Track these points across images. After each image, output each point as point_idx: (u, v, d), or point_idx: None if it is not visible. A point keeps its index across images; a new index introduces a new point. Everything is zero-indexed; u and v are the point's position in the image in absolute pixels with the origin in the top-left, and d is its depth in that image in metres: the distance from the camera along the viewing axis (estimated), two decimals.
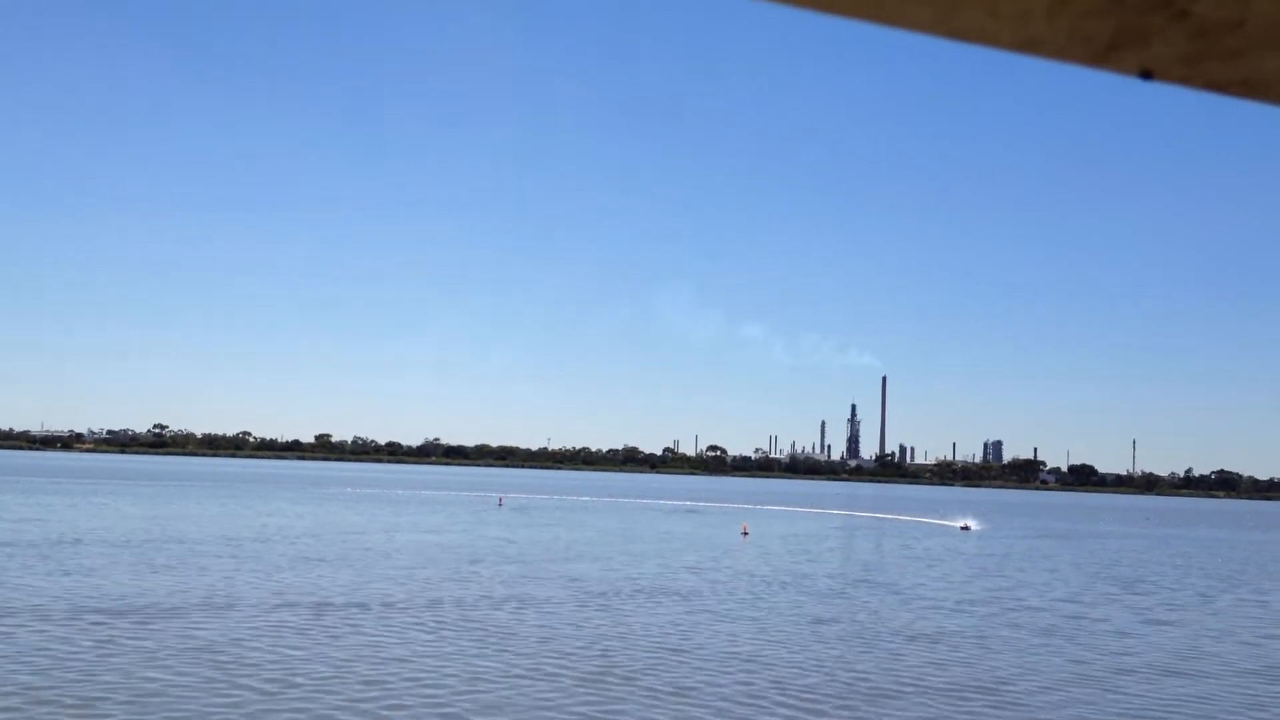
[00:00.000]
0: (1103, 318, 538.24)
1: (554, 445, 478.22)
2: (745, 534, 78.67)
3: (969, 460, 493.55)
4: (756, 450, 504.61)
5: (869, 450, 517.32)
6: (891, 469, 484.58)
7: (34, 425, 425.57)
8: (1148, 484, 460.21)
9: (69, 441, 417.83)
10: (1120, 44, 1.78)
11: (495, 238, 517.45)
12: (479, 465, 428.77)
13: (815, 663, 27.69)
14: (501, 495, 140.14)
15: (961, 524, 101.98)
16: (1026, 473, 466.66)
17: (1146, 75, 1.86)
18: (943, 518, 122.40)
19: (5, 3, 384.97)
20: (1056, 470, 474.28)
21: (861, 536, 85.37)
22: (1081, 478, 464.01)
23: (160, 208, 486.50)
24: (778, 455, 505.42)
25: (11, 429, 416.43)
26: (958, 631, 34.36)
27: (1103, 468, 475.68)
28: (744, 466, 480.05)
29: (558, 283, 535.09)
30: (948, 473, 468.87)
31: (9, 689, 21.22)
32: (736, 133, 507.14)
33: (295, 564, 45.99)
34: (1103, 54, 1.81)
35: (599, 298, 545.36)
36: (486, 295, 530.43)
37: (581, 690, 23.33)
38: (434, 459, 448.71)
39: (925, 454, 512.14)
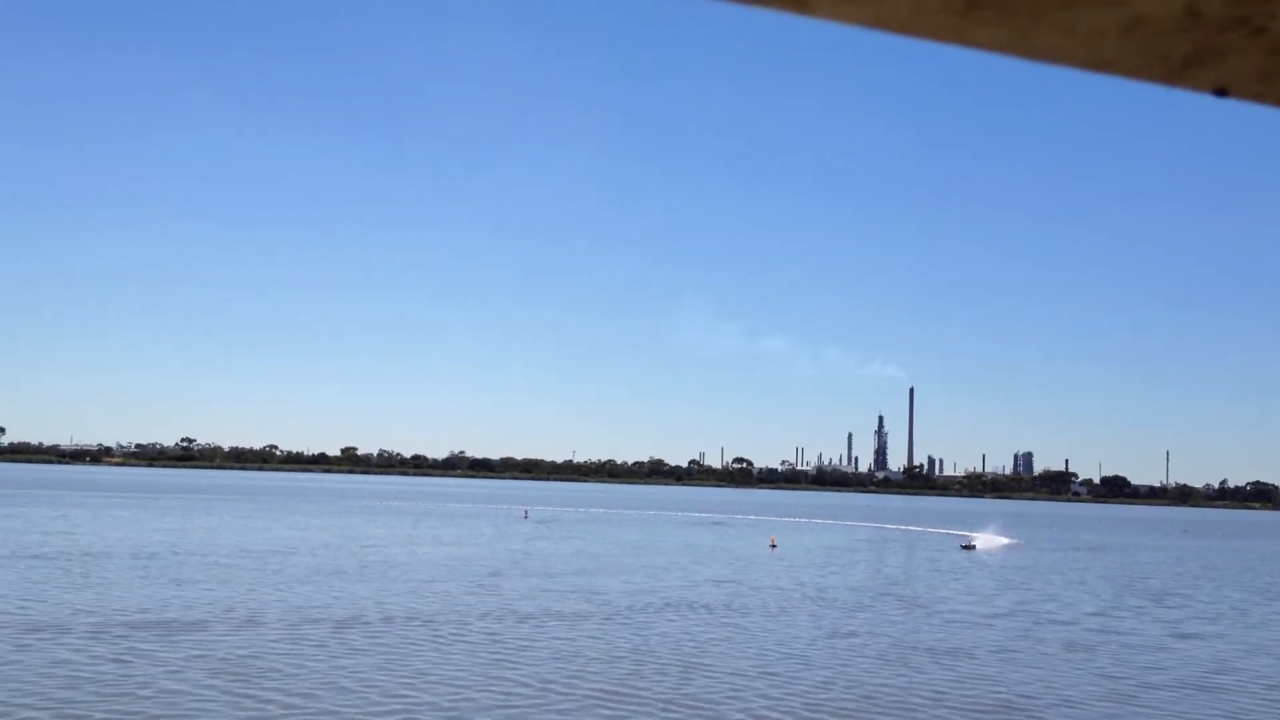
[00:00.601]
0: (1135, 328, 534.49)
1: (579, 458, 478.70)
2: (774, 546, 78.40)
3: (999, 472, 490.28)
4: (783, 462, 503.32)
5: (897, 462, 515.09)
6: (920, 481, 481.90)
7: (63, 439, 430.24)
8: (1181, 496, 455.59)
9: (97, 455, 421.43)
10: (1195, 62, 1.76)
11: (519, 252, 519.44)
12: (504, 478, 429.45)
13: (838, 678, 27.52)
14: (527, 508, 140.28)
15: (966, 544, 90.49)
16: (1058, 485, 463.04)
17: (1221, 93, 1.84)
18: (971, 529, 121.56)
19: (10, 6, 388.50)
20: (1088, 482, 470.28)
21: (890, 549, 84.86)
22: (1114, 490, 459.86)
23: (188, 223, 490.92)
24: (804, 467, 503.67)
25: (41, 443, 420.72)
26: (983, 646, 34.08)
27: (1136, 479, 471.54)
28: (770, 479, 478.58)
29: (581, 296, 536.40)
30: (977, 485, 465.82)
31: (34, 704, 21.38)
32: (755, 145, 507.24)
33: (317, 577, 46.15)
34: (1178, 72, 1.79)
35: (622, 311, 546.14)
36: (511, 309, 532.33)
37: (600, 705, 23.28)
38: (459, 472, 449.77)
39: (954, 466, 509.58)
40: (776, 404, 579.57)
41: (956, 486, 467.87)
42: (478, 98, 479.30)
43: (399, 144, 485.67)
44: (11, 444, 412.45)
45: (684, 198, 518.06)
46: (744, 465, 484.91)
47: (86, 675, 24.10)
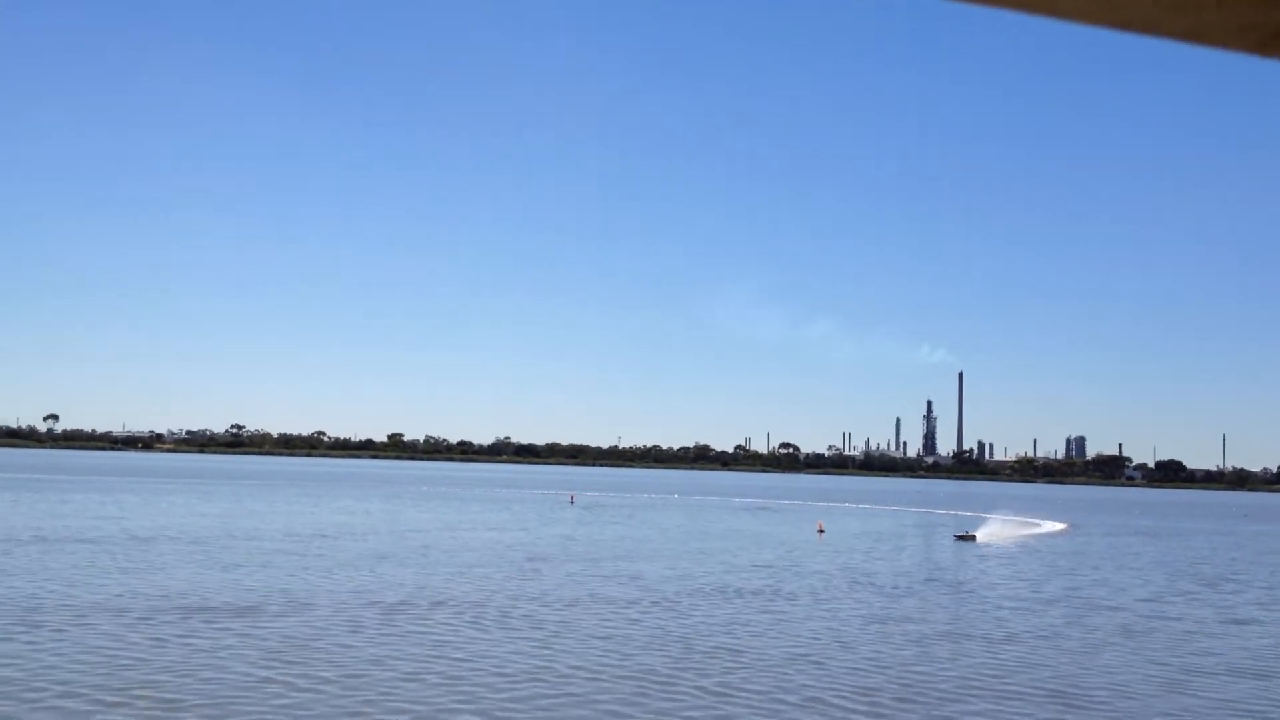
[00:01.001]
0: (1191, 309, 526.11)
1: (624, 444, 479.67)
2: (821, 532, 78.24)
3: (1051, 457, 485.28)
4: (830, 448, 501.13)
5: (946, 447, 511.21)
6: (970, 466, 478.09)
7: (116, 427, 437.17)
8: (1238, 480, 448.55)
9: (149, 442, 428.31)
10: None
11: (564, 238, 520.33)
12: (550, 464, 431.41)
13: (883, 663, 27.47)
14: (574, 493, 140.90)
15: (963, 534, 78.76)
16: (1111, 469, 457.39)
17: None
18: (1024, 515, 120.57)
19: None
20: (1143, 466, 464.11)
21: (938, 534, 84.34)
22: (1169, 474, 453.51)
23: (239, 214, 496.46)
24: (851, 452, 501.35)
25: (94, 430, 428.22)
26: (1032, 632, 33.84)
27: (1191, 463, 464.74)
28: (817, 464, 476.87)
29: (626, 281, 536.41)
30: (1029, 469, 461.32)
31: (86, 686, 21.85)
32: (800, 128, 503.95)
33: (363, 562, 46.69)
34: (1267, 43, 1.76)
35: (667, 296, 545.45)
36: (557, 296, 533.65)
37: (644, 690, 23.40)
38: (505, 458, 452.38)
39: (1005, 450, 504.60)
40: (823, 389, 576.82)
41: (1007, 471, 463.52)
42: (518, 85, 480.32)
43: (441, 133, 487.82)
44: (66, 431, 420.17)
45: (728, 183, 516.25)
46: (790, 450, 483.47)
47: (138, 658, 24.58)
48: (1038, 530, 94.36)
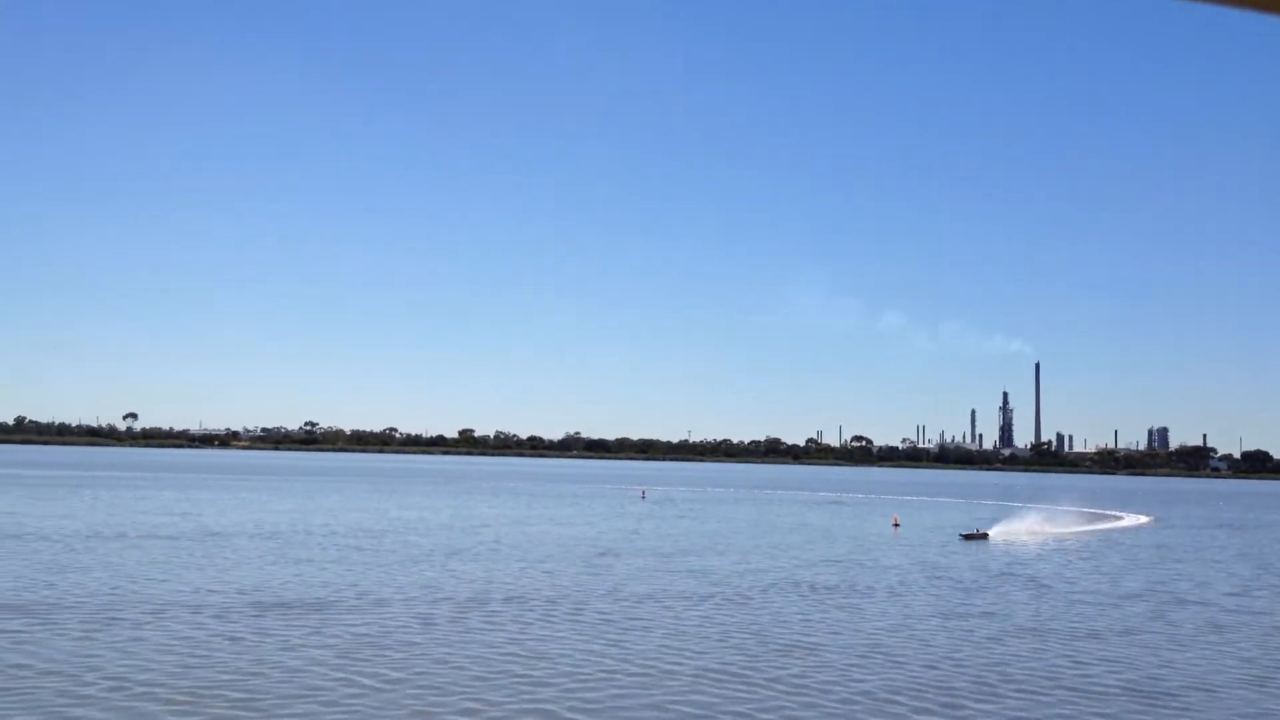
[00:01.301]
0: (1274, 295, 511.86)
1: (694, 438, 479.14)
2: (896, 526, 77.51)
3: (1132, 448, 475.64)
4: (904, 440, 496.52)
5: (1023, 439, 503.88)
6: (1049, 458, 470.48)
7: (193, 425, 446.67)
8: None
9: (225, 439, 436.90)
10: None
11: (633, 231, 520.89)
12: (620, 458, 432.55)
13: (957, 660, 27.12)
14: (644, 488, 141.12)
15: (970, 533, 70.16)
16: (1195, 460, 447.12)
17: None
18: (1103, 508, 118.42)
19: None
20: (1228, 457, 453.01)
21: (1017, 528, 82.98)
22: (1256, 465, 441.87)
23: (311, 212, 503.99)
24: (926, 445, 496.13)
25: (172, 428, 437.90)
26: (1112, 627, 33.21)
27: (1279, 454, 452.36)
28: (891, 457, 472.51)
29: (696, 274, 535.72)
30: (1110, 461, 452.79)
31: (162, 682, 22.32)
32: (870, 116, 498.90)
33: (434, 557, 47.16)
34: None
35: (737, 288, 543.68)
36: (626, 289, 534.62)
37: (712, 685, 23.34)
38: (575, 453, 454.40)
39: (1085, 442, 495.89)
40: (896, 380, 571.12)
41: (1088, 463, 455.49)
42: (592, 76, 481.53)
43: (510, 129, 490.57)
44: (144, 429, 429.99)
45: (798, 174, 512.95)
46: (863, 443, 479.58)
47: (214, 654, 25.06)
48: (1082, 528, 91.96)
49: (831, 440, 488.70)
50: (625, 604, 34.75)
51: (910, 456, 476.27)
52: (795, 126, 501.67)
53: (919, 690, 23.50)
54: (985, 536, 69.10)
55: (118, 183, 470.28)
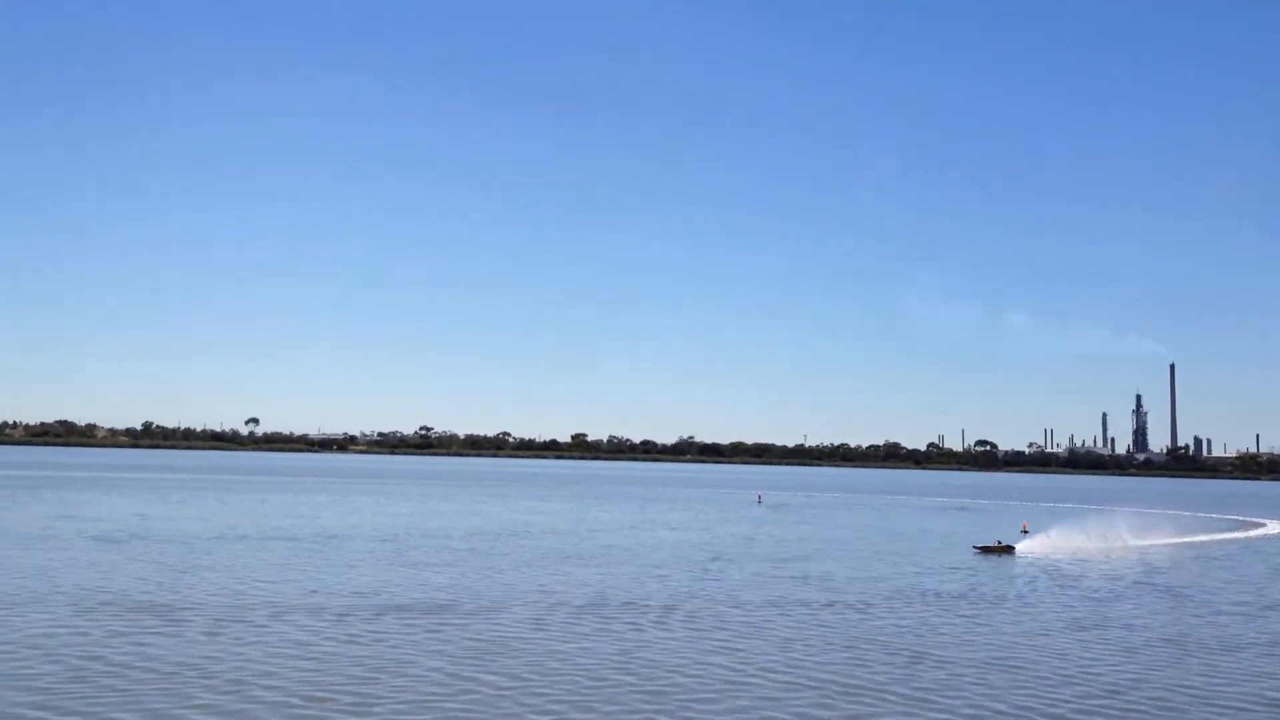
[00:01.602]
0: None
1: (810, 442, 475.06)
2: (1025, 533, 75.67)
3: (1276, 452, 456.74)
4: (1030, 444, 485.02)
5: (1158, 443, 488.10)
6: (1185, 462, 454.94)
7: (312, 429, 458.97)
8: None
9: (343, 444, 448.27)
10: None
11: (747, 237, 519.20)
12: (734, 463, 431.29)
13: (1083, 671, 26.26)
14: (760, 493, 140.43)
15: (989, 543, 61.30)
16: None
17: None
18: (1245, 514, 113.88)
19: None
20: None
21: (1153, 537, 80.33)
22: None
23: (434, 224, 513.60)
24: (1055, 449, 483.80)
25: (292, 433, 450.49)
26: (1256, 641, 31.82)
27: None
28: (1017, 462, 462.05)
29: (811, 277, 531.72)
30: (1252, 466, 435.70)
31: (280, 684, 22.85)
32: (985, 115, 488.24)
33: (548, 561, 47.47)
34: None
35: (853, 292, 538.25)
36: (740, 294, 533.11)
37: (828, 694, 22.99)
38: (689, 457, 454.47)
39: (1224, 446, 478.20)
40: (1021, 383, 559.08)
41: (1228, 468, 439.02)
42: (695, 81, 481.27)
43: (616, 138, 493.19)
44: (266, 434, 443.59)
45: (913, 174, 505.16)
46: (987, 448, 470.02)
47: (332, 656, 25.58)
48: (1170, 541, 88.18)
49: (954, 444, 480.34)
50: (743, 609, 34.48)
51: (1038, 461, 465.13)
52: (909, 126, 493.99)
53: (1054, 702, 22.80)
54: (1010, 550, 59.37)
55: (243, 183, 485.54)
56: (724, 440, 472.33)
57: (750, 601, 36.73)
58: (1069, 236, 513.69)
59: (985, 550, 59.18)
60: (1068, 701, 23.04)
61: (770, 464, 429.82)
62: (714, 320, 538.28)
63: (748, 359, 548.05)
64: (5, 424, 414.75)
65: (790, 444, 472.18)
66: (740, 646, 28.15)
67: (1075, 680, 25.23)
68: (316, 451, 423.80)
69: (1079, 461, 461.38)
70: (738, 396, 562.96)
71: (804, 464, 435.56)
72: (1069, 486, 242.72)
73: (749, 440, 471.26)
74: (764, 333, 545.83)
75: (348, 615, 31.25)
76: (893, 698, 22.87)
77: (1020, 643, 30.14)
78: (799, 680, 24.26)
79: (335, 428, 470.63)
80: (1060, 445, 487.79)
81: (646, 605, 35.04)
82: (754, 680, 24.16)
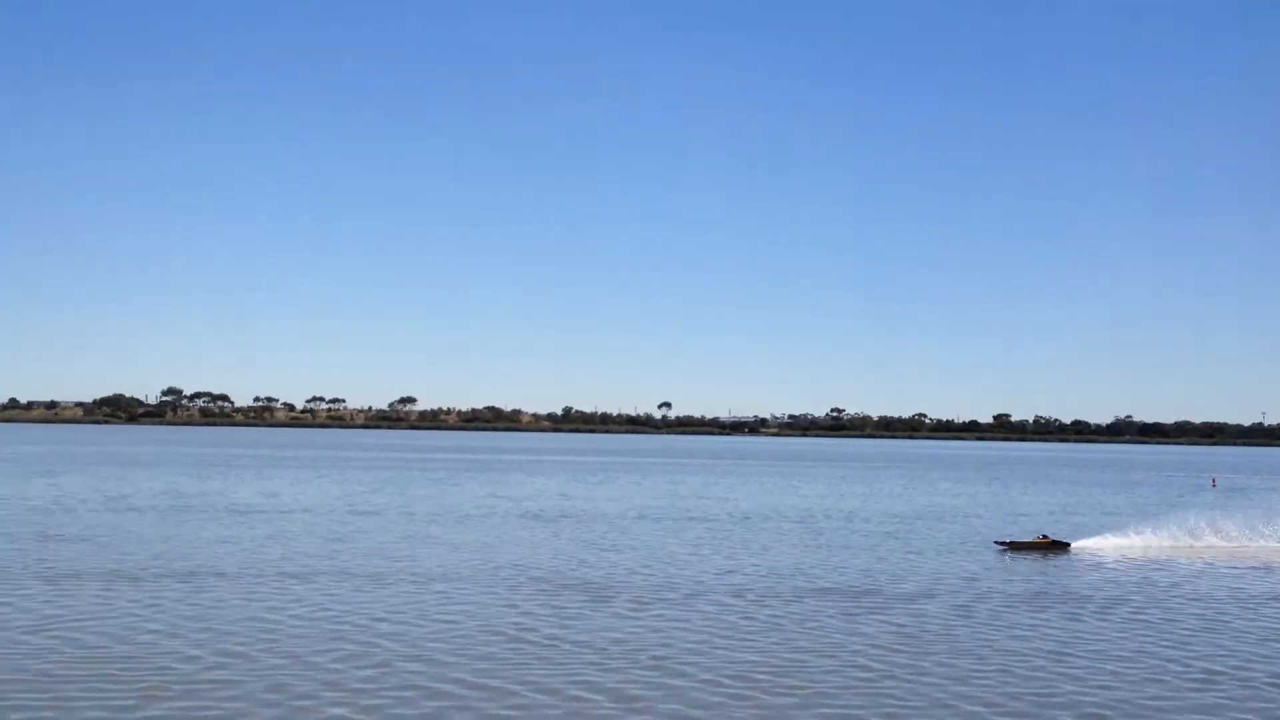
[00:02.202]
0: None
1: (1269, 420, 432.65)
2: None
3: None
4: None
5: None
6: None
7: (722, 412, 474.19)
8: None
9: (754, 426, 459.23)
10: None
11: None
12: (1179, 443, 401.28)
13: None
14: (1214, 475, 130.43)
15: (1007, 539, 46.98)
16: None
17: None
18: None
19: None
20: None
21: None
22: None
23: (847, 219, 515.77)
24: None
25: (704, 416, 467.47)
26: None
27: None
28: None
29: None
30: None
31: (697, 662, 23.54)
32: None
33: (968, 545, 46.09)
34: None
35: None
36: (1197, 266, 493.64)
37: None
38: (1127, 438, 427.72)
39: None
40: None
41: None
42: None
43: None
44: (679, 417, 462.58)
45: None
46: None
47: (750, 637, 26.08)
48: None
49: None
50: (1202, 604, 31.86)
51: None
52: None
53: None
54: (1068, 547, 45.54)
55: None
56: (1168, 420, 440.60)
57: (1212, 595, 33.93)
58: None
59: (1009, 547, 45.25)
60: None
61: (1223, 445, 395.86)
62: (1160, 293, 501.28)
63: (1200, 326, 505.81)
64: (439, 410, 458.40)
65: (1247, 423, 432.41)
66: (1194, 645, 25.97)
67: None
68: (728, 434, 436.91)
69: None
70: (1184, 370, 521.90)
71: (1264, 444, 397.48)
72: None
73: (1196, 419, 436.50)
74: (1223, 304, 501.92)
75: (767, 597, 31.78)
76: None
77: None
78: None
79: (746, 410, 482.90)
80: None
81: (1087, 596, 33.22)
82: (1220, 681, 22.17)
